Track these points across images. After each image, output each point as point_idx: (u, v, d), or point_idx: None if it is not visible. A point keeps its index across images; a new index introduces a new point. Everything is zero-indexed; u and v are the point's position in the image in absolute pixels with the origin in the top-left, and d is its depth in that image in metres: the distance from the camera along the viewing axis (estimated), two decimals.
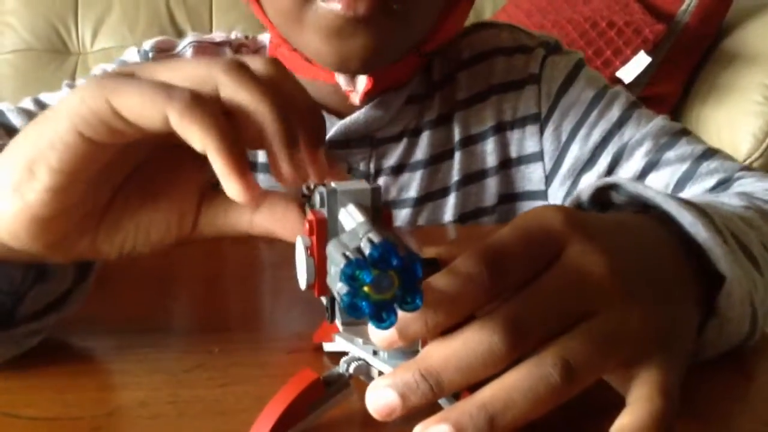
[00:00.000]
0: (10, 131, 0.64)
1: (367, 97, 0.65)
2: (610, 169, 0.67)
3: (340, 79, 0.65)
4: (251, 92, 0.31)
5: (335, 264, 0.28)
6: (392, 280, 0.27)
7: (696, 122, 1.57)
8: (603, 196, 0.44)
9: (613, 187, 0.43)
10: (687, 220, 0.38)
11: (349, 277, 0.27)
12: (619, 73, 1.48)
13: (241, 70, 0.32)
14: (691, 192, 0.63)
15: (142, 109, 0.31)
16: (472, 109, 0.71)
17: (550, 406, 0.29)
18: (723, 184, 0.62)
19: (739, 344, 0.40)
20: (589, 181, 0.68)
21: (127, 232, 0.37)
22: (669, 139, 0.66)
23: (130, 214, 0.37)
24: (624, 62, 1.48)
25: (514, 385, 0.29)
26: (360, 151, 0.69)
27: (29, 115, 0.66)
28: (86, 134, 0.32)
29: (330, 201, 0.30)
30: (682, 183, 0.64)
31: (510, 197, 0.72)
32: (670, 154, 0.65)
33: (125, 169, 0.36)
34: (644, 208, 0.40)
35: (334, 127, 0.67)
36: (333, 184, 0.31)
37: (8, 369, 0.38)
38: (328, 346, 0.40)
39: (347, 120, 0.67)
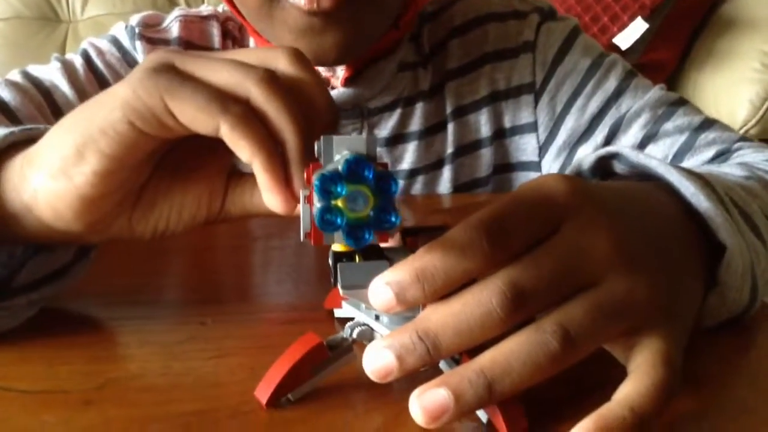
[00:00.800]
0: (2, 106, 0.63)
1: (350, 79, 0.64)
2: (607, 141, 0.67)
3: (319, 68, 0.63)
4: (278, 107, 0.33)
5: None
6: (367, 198, 0.28)
7: (693, 89, 1.56)
8: (604, 165, 0.43)
9: (615, 156, 0.42)
10: (689, 190, 0.37)
11: (322, 190, 0.28)
12: (616, 40, 1.46)
13: (272, 83, 0.34)
14: (689, 163, 0.63)
15: (196, 115, 0.33)
16: (465, 78, 0.70)
17: (549, 373, 0.29)
18: (722, 155, 0.62)
19: (740, 314, 0.40)
20: (586, 153, 0.68)
21: (161, 213, 0.38)
22: (666, 110, 0.65)
23: (163, 195, 0.38)
24: (621, 29, 1.46)
25: (512, 351, 0.29)
26: (351, 122, 0.68)
27: (19, 89, 0.65)
28: (137, 126, 0.33)
29: (326, 148, 0.31)
30: (680, 154, 0.64)
31: (504, 168, 0.71)
32: (668, 126, 0.65)
33: (159, 155, 0.37)
34: (646, 177, 0.40)
35: None
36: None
37: (4, 342, 0.38)
38: (338, 312, 0.40)
39: (336, 92, 0.66)
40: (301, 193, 0.32)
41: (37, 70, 0.68)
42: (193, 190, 0.38)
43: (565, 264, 0.30)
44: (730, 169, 0.52)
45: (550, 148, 0.69)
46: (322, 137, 0.31)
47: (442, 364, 0.32)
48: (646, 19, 1.47)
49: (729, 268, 0.37)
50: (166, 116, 0.33)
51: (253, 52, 0.36)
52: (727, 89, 1.48)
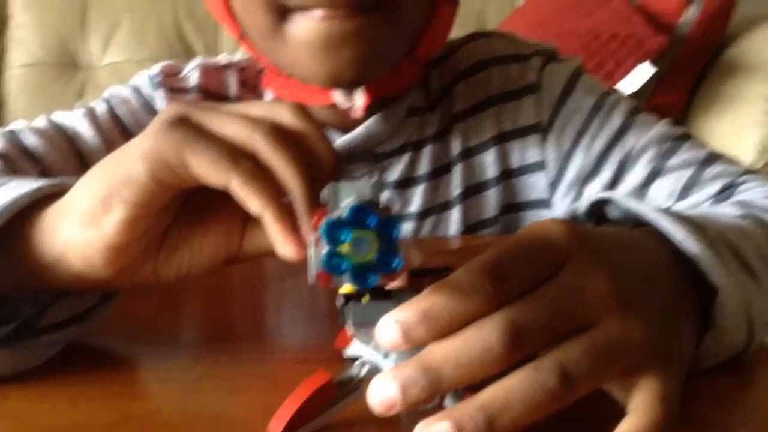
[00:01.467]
0: (27, 152, 0.65)
1: (368, 110, 0.65)
2: (615, 178, 0.68)
3: (337, 98, 0.64)
4: (285, 159, 0.36)
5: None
6: (371, 243, 0.30)
7: (699, 133, 1.58)
8: (598, 210, 0.45)
9: (608, 201, 0.44)
10: (679, 234, 0.39)
11: (328, 236, 0.30)
12: (620, 85, 1.49)
13: (278, 136, 0.36)
14: (696, 198, 0.64)
15: (210, 170, 0.35)
16: (471, 120, 0.72)
17: (548, 410, 0.30)
18: (728, 189, 0.63)
19: (737, 354, 0.41)
20: (593, 191, 0.69)
21: (183, 256, 0.41)
22: (671, 145, 0.67)
23: (184, 238, 0.40)
24: (626, 74, 1.49)
25: (512, 388, 0.30)
26: (362, 166, 0.70)
27: (44, 135, 0.67)
28: (157, 176, 0.36)
29: (333, 195, 0.33)
30: (687, 189, 0.65)
31: (513, 207, 0.73)
32: (674, 161, 0.66)
33: (180, 201, 0.40)
34: (638, 223, 0.42)
35: (334, 144, 0.68)
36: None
37: (23, 376, 0.40)
38: (347, 352, 0.41)
39: (348, 137, 0.68)
40: (311, 238, 0.33)
41: (62, 117, 0.70)
42: (211, 233, 0.40)
43: (564, 304, 0.32)
44: (728, 209, 0.54)
45: (560, 185, 0.71)
46: (329, 184, 0.33)
47: (447, 402, 0.34)
48: (651, 63, 1.49)
49: (723, 310, 0.38)
50: (183, 170, 0.35)
51: (259, 107, 0.38)
52: (732, 133, 1.50)
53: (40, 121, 0.69)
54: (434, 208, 0.72)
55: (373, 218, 0.30)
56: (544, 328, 0.31)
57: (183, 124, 0.36)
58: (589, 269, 0.33)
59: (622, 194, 0.44)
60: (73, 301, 0.43)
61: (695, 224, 0.41)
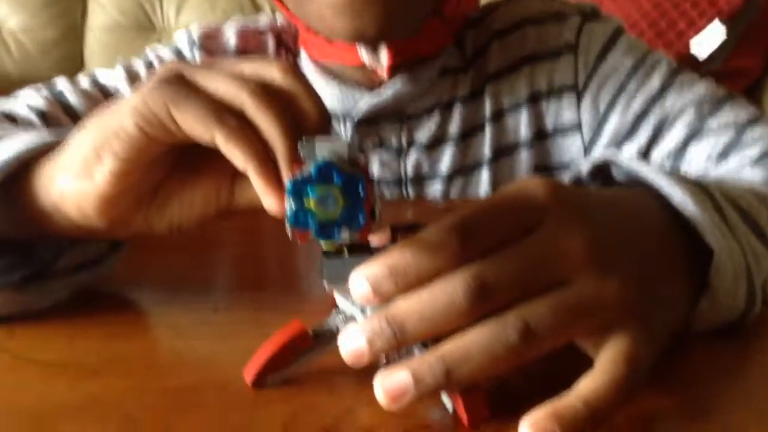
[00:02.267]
0: (69, 110, 0.68)
1: (395, 70, 0.66)
2: (652, 141, 0.66)
3: (364, 57, 0.65)
4: (269, 117, 0.36)
5: None
6: (336, 200, 0.31)
7: None
8: (604, 171, 0.44)
9: (612, 162, 0.43)
10: (677, 195, 0.38)
11: (293, 193, 0.31)
12: (693, 46, 1.42)
13: (264, 94, 0.37)
14: (734, 162, 0.62)
15: (195, 125, 0.36)
16: (504, 81, 0.71)
17: (508, 364, 0.31)
18: None
19: (736, 320, 0.40)
20: (629, 153, 0.67)
21: (173, 208, 0.42)
22: (712, 107, 0.65)
23: (175, 191, 0.42)
24: (697, 33, 1.42)
25: (472, 340, 0.30)
26: (390, 127, 0.70)
27: (85, 94, 0.70)
28: (145, 130, 0.37)
29: (309, 151, 0.34)
30: (725, 152, 0.62)
31: (546, 169, 0.71)
32: (713, 123, 0.64)
33: (171, 155, 0.41)
34: (641, 183, 0.41)
35: (361, 104, 0.68)
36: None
37: (30, 315, 0.43)
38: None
39: (375, 96, 0.68)
40: (286, 195, 0.34)
41: (104, 76, 0.73)
42: (201, 186, 0.42)
43: (535, 261, 0.32)
44: (751, 175, 0.52)
45: (595, 147, 0.69)
46: (304, 140, 0.33)
47: (416, 354, 0.34)
48: (725, 24, 1.42)
49: (718, 273, 0.37)
50: (170, 124, 0.37)
51: (249, 64, 0.39)
52: None
53: (83, 80, 0.72)
54: (464, 170, 0.71)
55: (339, 175, 0.31)
56: (512, 284, 0.31)
57: (174, 81, 0.37)
58: (567, 227, 0.33)
59: (624, 155, 0.43)
60: (84, 248, 0.45)
61: (700, 187, 0.40)
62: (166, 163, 0.41)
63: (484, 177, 0.71)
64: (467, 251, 0.31)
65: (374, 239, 0.34)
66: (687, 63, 1.43)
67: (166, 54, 0.76)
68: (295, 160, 0.36)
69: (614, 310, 0.32)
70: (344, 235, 0.32)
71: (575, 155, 0.70)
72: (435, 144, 0.71)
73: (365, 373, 0.34)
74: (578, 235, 0.32)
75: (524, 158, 0.71)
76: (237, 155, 0.36)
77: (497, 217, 0.32)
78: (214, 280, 0.52)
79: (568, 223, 0.33)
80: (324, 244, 0.34)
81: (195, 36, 0.76)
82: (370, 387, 0.34)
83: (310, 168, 0.32)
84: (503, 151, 0.71)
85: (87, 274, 0.46)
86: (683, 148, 0.65)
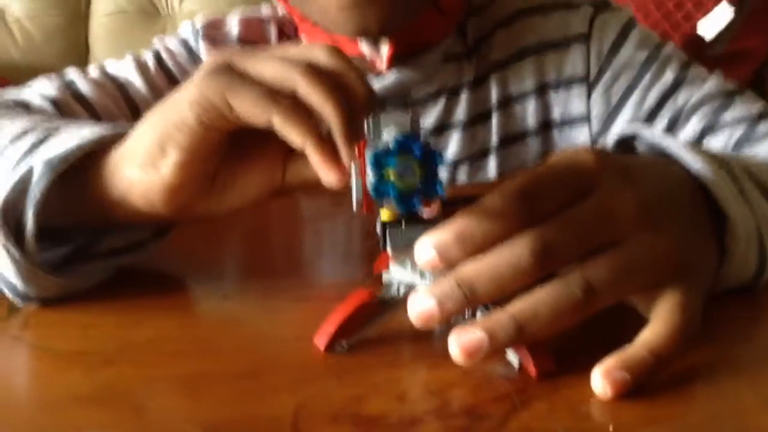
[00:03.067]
0: (80, 99, 0.69)
1: (395, 60, 0.66)
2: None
3: (364, 49, 0.66)
4: (321, 95, 0.37)
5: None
6: (414, 171, 0.33)
7: None
8: (627, 146, 0.46)
9: (635, 137, 0.45)
10: (697, 165, 0.40)
11: (375, 164, 0.33)
12: (700, 28, 1.41)
13: (315, 74, 0.38)
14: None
15: (252, 109, 0.37)
16: (510, 69, 0.71)
17: (573, 320, 0.33)
18: None
19: (749, 282, 0.42)
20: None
21: (232, 192, 0.44)
22: (724, 101, 0.65)
23: (231, 176, 0.44)
24: (705, 14, 1.41)
25: (540, 299, 0.32)
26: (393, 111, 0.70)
27: (96, 83, 0.70)
28: (205, 120, 0.39)
29: (374, 127, 0.36)
30: (739, 146, 0.63)
31: None
32: (726, 117, 0.65)
33: (226, 143, 0.42)
34: (664, 156, 0.42)
35: None
36: None
37: (45, 303, 0.43)
38: (385, 275, 0.43)
39: (378, 82, 0.68)
40: (353, 168, 0.36)
41: (113, 67, 0.74)
42: (255, 170, 0.44)
43: (592, 223, 0.34)
44: (766, 153, 0.54)
45: (604, 140, 0.69)
46: (371, 117, 0.36)
47: (478, 317, 0.35)
48: (732, 4, 1.41)
49: (734, 237, 0.39)
50: (228, 112, 0.38)
51: (295, 48, 0.40)
52: None
53: (94, 71, 0.73)
54: (471, 156, 0.72)
55: (417, 147, 0.33)
56: (573, 245, 0.33)
57: (224, 70, 0.39)
58: (617, 192, 0.34)
59: (647, 128, 0.45)
60: (128, 233, 0.47)
61: (718, 159, 0.42)
62: (222, 150, 0.42)
63: (492, 164, 0.71)
64: (528, 216, 0.33)
65: (425, 212, 0.36)
66: (693, 44, 1.43)
67: (173, 44, 0.76)
68: (356, 137, 0.37)
69: (664, 267, 0.35)
70: (420, 204, 0.33)
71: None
72: (441, 130, 0.71)
73: (372, 360, 0.36)
74: (628, 197, 0.35)
75: (531, 146, 0.71)
76: (294, 134, 0.37)
77: (554, 184, 0.34)
78: (224, 267, 0.52)
79: (618, 187, 0.35)
80: (384, 215, 0.35)
81: (198, 26, 0.76)
82: (378, 374, 0.35)
83: (388, 141, 0.33)
84: (510, 139, 0.71)
85: (128, 257, 0.47)
86: (698, 142, 0.66)
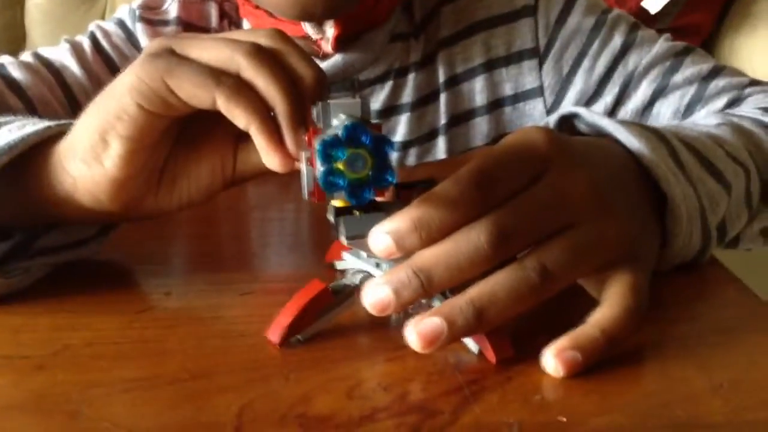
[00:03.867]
0: (13, 85, 0.66)
1: (340, 41, 0.65)
2: (617, 100, 0.67)
3: (308, 29, 0.64)
4: (266, 76, 0.36)
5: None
6: (365, 160, 0.32)
7: (729, 52, 1.51)
8: (569, 124, 0.46)
9: (575, 116, 0.45)
10: (634, 145, 0.40)
11: (324, 155, 0.31)
12: (645, 2, 1.42)
13: (259, 55, 0.37)
14: (701, 114, 0.63)
15: (194, 91, 0.36)
16: (457, 46, 0.70)
17: (530, 303, 0.33)
18: (734, 103, 0.62)
19: (693, 259, 0.43)
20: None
21: (182, 185, 0.42)
22: (674, 62, 0.66)
23: (181, 168, 0.42)
24: None
25: (498, 283, 0.32)
26: (341, 95, 0.68)
27: (30, 69, 0.68)
28: (146, 107, 0.37)
29: (323, 113, 0.34)
30: (691, 106, 0.64)
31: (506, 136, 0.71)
32: (677, 78, 0.65)
33: (174, 133, 0.41)
34: (603, 134, 0.43)
35: None
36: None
37: None
38: (339, 264, 0.43)
39: (324, 64, 0.66)
40: (303, 156, 0.35)
41: (48, 52, 0.71)
42: (205, 160, 0.42)
43: (546, 207, 0.34)
44: (705, 120, 0.54)
45: (559, 109, 0.69)
46: (319, 103, 0.34)
47: (435, 304, 0.35)
48: None
49: (674, 217, 0.40)
50: (169, 95, 0.36)
51: (239, 33, 0.39)
52: (764, 52, 1.43)
53: (27, 56, 0.70)
54: (420, 138, 0.71)
55: (367, 136, 0.31)
56: (528, 230, 0.33)
57: (164, 53, 0.37)
58: (570, 173, 0.34)
59: (586, 109, 0.45)
60: (66, 230, 0.45)
61: (656, 134, 0.42)
62: (168, 141, 0.41)
63: (440, 145, 0.70)
64: (483, 202, 0.32)
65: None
66: (638, 19, 1.43)
67: (110, 27, 0.73)
68: (302, 121, 0.36)
69: (615, 248, 0.35)
70: (372, 195, 0.32)
71: (537, 119, 0.70)
72: (390, 112, 0.70)
73: (321, 355, 0.35)
74: (580, 179, 0.35)
75: (480, 125, 0.71)
76: (239, 115, 0.36)
77: (508, 168, 0.34)
78: (168, 261, 0.50)
79: (570, 169, 0.35)
80: (337, 202, 0.34)
81: (135, 6, 0.73)
82: (328, 370, 0.34)
83: (336, 130, 0.32)
84: (459, 118, 0.71)
85: (69, 254, 0.45)
86: (650, 105, 0.66)
